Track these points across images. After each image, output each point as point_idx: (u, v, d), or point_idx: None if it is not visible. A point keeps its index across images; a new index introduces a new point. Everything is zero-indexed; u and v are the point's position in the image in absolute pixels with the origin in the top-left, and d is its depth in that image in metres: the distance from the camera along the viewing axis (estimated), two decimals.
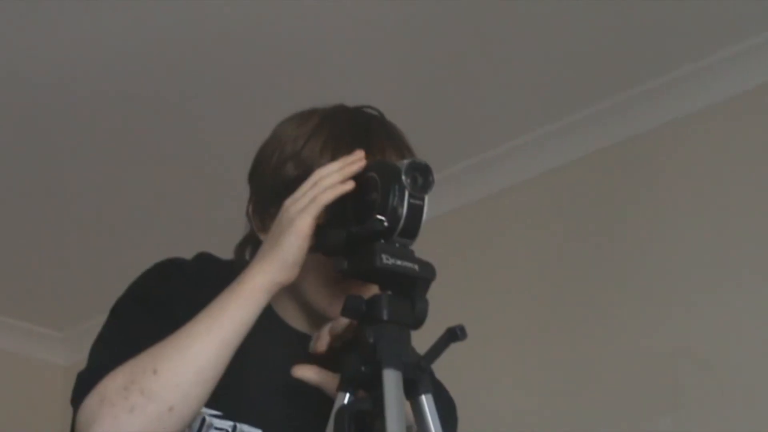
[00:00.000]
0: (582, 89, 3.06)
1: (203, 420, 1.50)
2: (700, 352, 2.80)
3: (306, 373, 1.53)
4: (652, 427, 2.81)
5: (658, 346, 2.87)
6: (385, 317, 1.42)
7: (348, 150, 1.53)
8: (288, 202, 1.48)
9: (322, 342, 1.53)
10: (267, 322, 1.56)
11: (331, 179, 1.47)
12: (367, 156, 1.52)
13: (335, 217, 1.48)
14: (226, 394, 1.48)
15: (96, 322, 1.59)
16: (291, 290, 1.57)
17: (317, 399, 1.53)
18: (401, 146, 1.60)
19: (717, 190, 2.90)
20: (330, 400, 1.48)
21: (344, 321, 1.51)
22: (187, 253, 1.70)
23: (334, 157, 1.54)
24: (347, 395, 1.42)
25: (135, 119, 3.16)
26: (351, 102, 1.67)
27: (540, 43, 2.88)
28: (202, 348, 1.42)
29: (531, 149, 3.22)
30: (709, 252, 2.87)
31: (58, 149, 3.27)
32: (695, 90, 2.96)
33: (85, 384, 1.44)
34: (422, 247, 1.47)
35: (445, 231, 3.14)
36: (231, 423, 1.52)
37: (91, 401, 1.42)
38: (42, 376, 4.17)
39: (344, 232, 1.45)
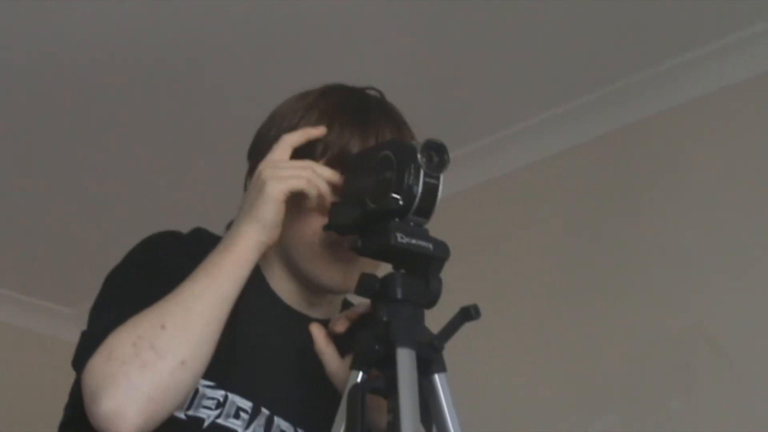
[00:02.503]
0: (599, 69, 3.05)
1: (196, 389, 1.50)
2: (712, 334, 2.79)
3: (317, 334, 1.55)
4: (663, 409, 2.80)
5: (670, 328, 2.87)
6: (399, 296, 1.42)
7: (344, 123, 1.56)
8: (261, 165, 1.51)
9: (341, 324, 1.55)
10: (261, 297, 1.58)
11: (296, 139, 1.52)
12: (368, 134, 1.54)
13: (350, 196, 1.48)
14: (220, 365, 1.48)
15: None
16: (284, 262, 1.60)
17: (311, 375, 1.54)
18: (400, 125, 1.61)
19: (735, 170, 2.89)
20: (325, 379, 1.51)
21: (361, 308, 1.53)
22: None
23: (328, 128, 1.56)
24: (360, 374, 1.42)
25: (143, 99, 3.16)
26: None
27: (556, 22, 2.87)
28: (206, 303, 1.44)
29: (547, 129, 3.22)
30: (724, 234, 2.86)
31: (71, 128, 3.28)
32: (715, 69, 2.94)
33: (89, 344, 1.44)
34: (436, 226, 1.47)
35: (458, 211, 3.14)
36: (222, 393, 1.52)
37: (98, 360, 1.41)
38: (51, 352, 4.18)
39: (359, 210, 1.45)
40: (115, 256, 1.61)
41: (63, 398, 1.53)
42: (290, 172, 1.49)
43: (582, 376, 2.98)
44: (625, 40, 2.93)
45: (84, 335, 1.48)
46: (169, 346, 1.40)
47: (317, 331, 1.56)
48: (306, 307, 1.62)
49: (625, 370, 2.91)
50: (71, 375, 1.51)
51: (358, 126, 1.57)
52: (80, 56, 2.99)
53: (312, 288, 1.60)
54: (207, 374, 1.47)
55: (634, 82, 3.06)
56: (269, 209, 1.47)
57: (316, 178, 1.50)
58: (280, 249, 1.57)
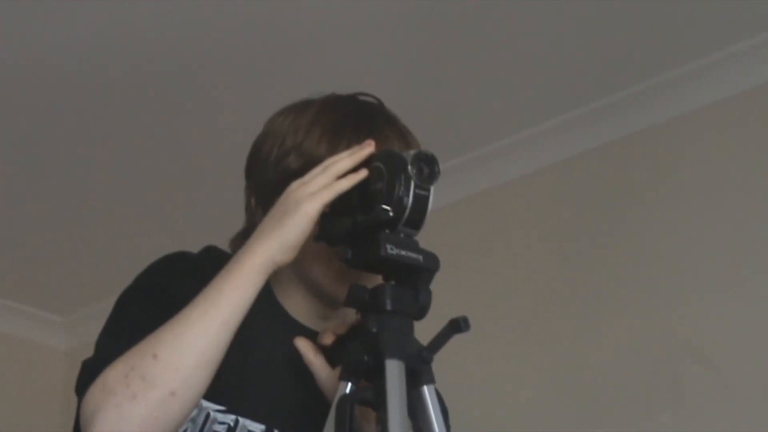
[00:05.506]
0: (591, 83, 3.05)
1: (207, 415, 1.50)
2: (701, 348, 2.79)
3: (304, 348, 1.54)
4: (652, 423, 2.80)
5: (659, 342, 2.87)
6: (388, 307, 1.42)
7: (351, 138, 1.54)
8: (295, 184, 1.47)
9: (327, 337, 1.54)
10: (272, 316, 1.57)
11: (343, 165, 1.47)
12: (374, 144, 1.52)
13: (340, 207, 1.48)
14: (230, 388, 1.48)
15: (97, 308, 1.59)
16: (300, 280, 1.58)
17: (321, 396, 1.53)
18: (405, 132, 1.60)
19: (726, 185, 2.90)
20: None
21: (348, 322, 1.52)
22: (189, 240, 1.70)
23: (332, 146, 1.55)
24: (349, 385, 1.42)
25: (136, 107, 3.16)
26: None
27: (550, 33, 2.87)
28: (200, 331, 1.42)
29: (540, 141, 3.22)
30: (713, 248, 2.86)
31: (61, 135, 3.27)
32: (708, 83, 2.95)
33: (88, 373, 1.44)
34: (426, 237, 1.47)
35: (448, 222, 3.14)
36: (233, 417, 1.51)
37: (93, 391, 1.41)
38: (43, 361, 4.17)
39: (349, 222, 1.46)
40: (107, 266, 1.61)
41: (52, 406, 1.54)
42: (320, 181, 1.46)
43: (572, 390, 2.98)
44: (617, 54, 2.94)
45: (84, 364, 1.48)
46: (159, 377, 1.39)
47: (304, 344, 1.55)
48: (319, 322, 1.60)
49: (614, 383, 2.91)
50: (62, 383, 1.51)
51: (365, 136, 1.54)
52: (76, 65, 2.98)
53: (329, 302, 1.59)
54: (218, 398, 1.47)
55: (625, 96, 3.06)
56: (298, 229, 1.44)
57: (342, 171, 1.47)
58: (294, 264, 1.52)
